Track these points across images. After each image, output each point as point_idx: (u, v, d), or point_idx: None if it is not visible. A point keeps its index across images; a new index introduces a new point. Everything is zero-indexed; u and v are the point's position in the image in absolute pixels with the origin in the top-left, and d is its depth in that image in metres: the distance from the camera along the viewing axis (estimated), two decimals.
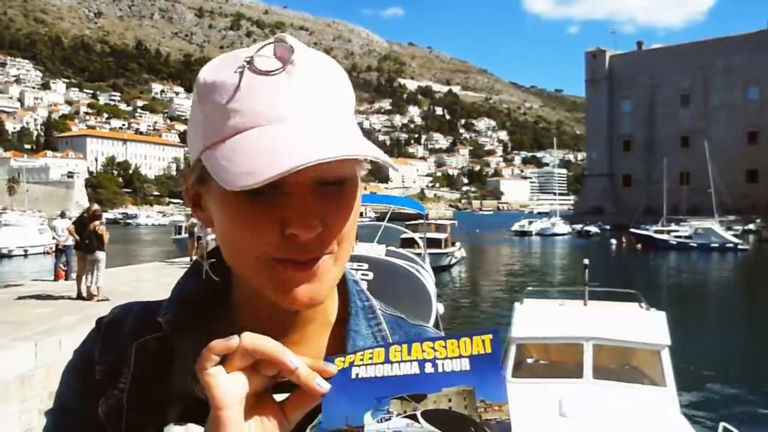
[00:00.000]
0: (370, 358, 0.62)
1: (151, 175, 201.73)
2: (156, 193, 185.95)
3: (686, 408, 8.55)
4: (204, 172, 0.72)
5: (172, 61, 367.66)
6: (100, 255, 13.22)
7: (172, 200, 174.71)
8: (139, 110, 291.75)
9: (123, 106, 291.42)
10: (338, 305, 0.84)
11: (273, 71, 0.68)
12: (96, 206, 15.25)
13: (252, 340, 0.60)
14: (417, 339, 0.63)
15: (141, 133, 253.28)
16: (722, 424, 6.70)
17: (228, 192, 0.67)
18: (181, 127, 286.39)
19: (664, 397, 6.61)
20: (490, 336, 0.61)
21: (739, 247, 50.78)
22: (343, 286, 0.85)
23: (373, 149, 0.66)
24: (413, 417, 0.59)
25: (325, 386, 0.60)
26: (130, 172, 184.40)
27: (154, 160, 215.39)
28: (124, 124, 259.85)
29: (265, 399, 0.63)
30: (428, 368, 0.61)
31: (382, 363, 0.62)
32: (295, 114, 0.68)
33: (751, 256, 48.41)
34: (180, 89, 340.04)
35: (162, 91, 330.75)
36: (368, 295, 0.86)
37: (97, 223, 13.61)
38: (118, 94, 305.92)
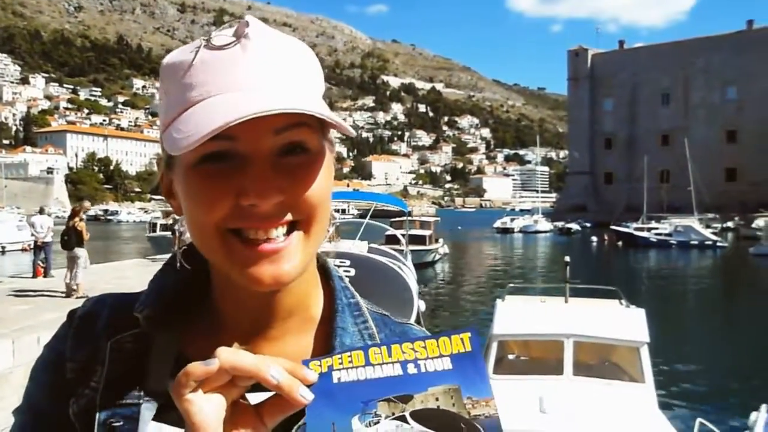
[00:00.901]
0: (350, 362, 0.61)
1: (132, 172, 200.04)
2: (137, 189, 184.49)
3: (664, 404, 8.64)
4: (169, 157, 0.72)
5: (154, 57, 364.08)
6: (80, 252, 13.24)
7: (153, 197, 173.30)
8: (120, 106, 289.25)
9: (104, 102, 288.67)
10: (323, 302, 0.82)
11: (226, 45, 0.68)
12: (87, 203, 15.17)
13: (231, 359, 0.58)
14: (397, 340, 0.62)
15: (122, 129, 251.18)
16: (699, 419, 6.80)
17: (188, 168, 0.68)
18: None
19: (642, 393, 6.68)
20: (469, 334, 0.61)
21: (718, 244, 51.36)
22: (329, 282, 0.83)
23: (320, 108, 0.65)
24: (402, 418, 0.58)
25: (308, 397, 0.59)
26: (111, 168, 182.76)
27: (135, 156, 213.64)
28: (104, 120, 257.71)
29: (241, 407, 0.61)
30: (411, 369, 0.60)
31: (363, 366, 0.60)
32: (247, 83, 0.67)
33: (729, 254, 48.95)
34: None
35: (143, 87, 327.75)
36: (354, 292, 0.84)
37: (76, 219, 13.65)
38: (99, 89, 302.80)
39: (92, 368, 0.76)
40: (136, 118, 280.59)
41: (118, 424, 0.72)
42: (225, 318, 0.78)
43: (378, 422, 0.58)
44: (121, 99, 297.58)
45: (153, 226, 36.32)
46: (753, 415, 7.14)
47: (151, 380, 0.74)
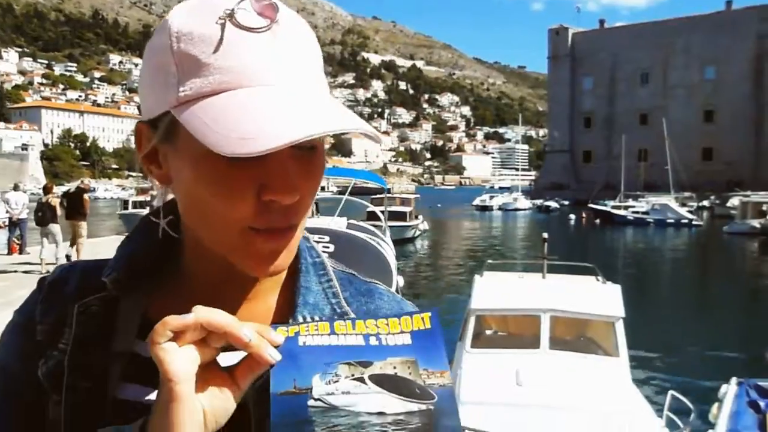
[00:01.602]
0: (316, 330, 0.63)
1: (109, 148, 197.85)
2: (115, 166, 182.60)
3: (638, 377, 8.80)
4: (171, 129, 0.69)
5: (131, 32, 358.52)
6: (54, 228, 13.45)
7: (131, 173, 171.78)
8: (96, 82, 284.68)
9: (79, 77, 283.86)
10: (290, 263, 0.81)
11: (258, 29, 0.66)
12: (87, 180, 15.37)
13: (206, 315, 0.60)
14: (362, 317, 0.65)
15: (99, 105, 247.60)
16: (671, 392, 6.93)
17: (204, 155, 0.65)
18: None
19: (617, 367, 6.80)
20: (429, 314, 0.65)
21: (694, 222, 51.97)
22: None
23: (363, 123, 0.66)
24: (361, 380, 0.61)
25: (276, 356, 0.61)
26: (88, 144, 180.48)
27: (112, 132, 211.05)
28: (80, 96, 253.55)
29: (214, 369, 0.63)
30: (372, 341, 0.63)
31: (328, 334, 0.63)
32: (281, 79, 0.66)
33: (704, 232, 49.62)
34: (139, 60, 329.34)
35: (120, 62, 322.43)
36: (319, 252, 0.84)
37: (50, 196, 13.86)
38: (74, 64, 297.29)
39: (60, 331, 0.76)
40: (113, 94, 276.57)
41: (86, 384, 0.73)
42: (193, 281, 0.79)
43: (338, 381, 0.60)
44: (97, 75, 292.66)
45: (125, 204, 34.85)
46: (723, 388, 7.29)
47: (118, 341, 0.75)
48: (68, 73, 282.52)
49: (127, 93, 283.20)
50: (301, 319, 0.76)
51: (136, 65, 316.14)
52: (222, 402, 0.62)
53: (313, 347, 0.62)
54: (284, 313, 0.79)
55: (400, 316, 0.65)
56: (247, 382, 0.63)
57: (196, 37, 0.66)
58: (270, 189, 0.66)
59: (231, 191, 0.66)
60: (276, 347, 0.61)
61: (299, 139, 0.59)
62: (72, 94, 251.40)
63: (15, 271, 12.98)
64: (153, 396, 0.67)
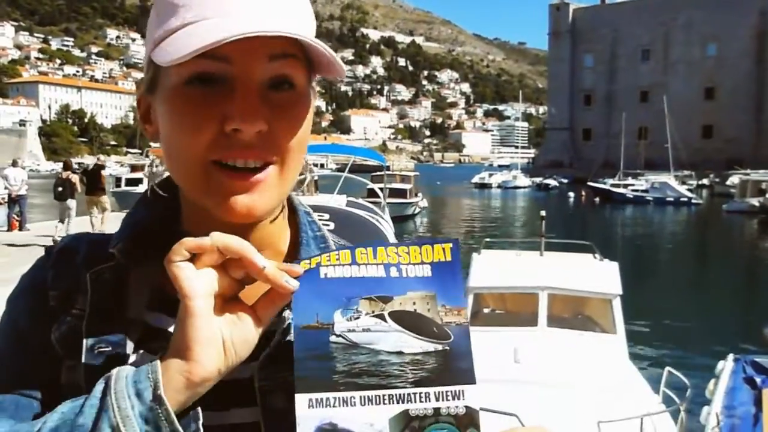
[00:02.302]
0: (337, 259, 0.64)
1: (107, 124, 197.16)
2: (113, 142, 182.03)
3: (635, 354, 8.87)
4: (153, 77, 0.73)
5: (128, 6, 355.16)
6: (71, 203, 14.33)
7: (129, 150, 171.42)
8: (93, 56, 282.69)
9: (77, 52, 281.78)
10: (291, 237, 0.85)
11: None
12: (103, 158, 16.06)
13: (222, 237, 0.62)
14: (382, 243, 0.66)
15: (96, 81, 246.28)
16: (667, 368, 6.98)
17: (174, 88, 0.69)
18: (139, 75, 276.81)
19: (614, 343, 6.85)
20: (450, 245, 0.65)
21: (693, 201, 51.99)
22: (294, 215, 0.85)
23: (312, 37, 0.67)
24: (381, 317, 0.62)
25: (293, 284, 0.62)
26: (86, 120, 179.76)
27: (110, 108, 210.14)
28: (78, 71, 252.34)
29: (236, 301, 0.65)
30: (393, 272, 0.64)
31: (349, 264, 0.64)
32: (246, 8, 0.68)
33: (703, 210, 49.68)
34: (137, 35, 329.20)
35: (117, 37, 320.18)
36: (320, 225, 0.86)
37: (69, 172, 14.82)
38: (71, 39, 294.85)
39: (73, 297, 0.77)
40: (111, 70, 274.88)
41: (106, 349, 0.74)
42: None
43: (359, 317, 0.62)
44: (94, 49, 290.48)
45: (117, 181, 33.76)
46: (720, 364, 7.34)
47: (131, 311, 0.76)
48: (65, 48, 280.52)
49: (124, 68, 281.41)
50: None
51: (134, 40, 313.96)
52: (242, 332, 0.63)
53: (335, 279, 0.63)
54: None
55: (421, 245, 0.65)
56: (268, 314, 0.64)
57: None
58: (231, 117, 0.67)
59: (195, 121, 0.68)
60: (296, 278, 0.63)
61: (221, 40, 0.62)
62: (69, 69, 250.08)
63: (14, 246, 13.00)
64: None
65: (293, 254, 0.83)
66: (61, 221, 14.07)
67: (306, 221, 0.85)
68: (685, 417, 6.24)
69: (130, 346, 0.74)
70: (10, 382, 0.74)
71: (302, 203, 0.87)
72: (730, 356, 7.41)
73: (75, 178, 14.39)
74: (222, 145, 0.69)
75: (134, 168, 36.36)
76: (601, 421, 4.92)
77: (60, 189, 14.09)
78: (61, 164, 15.98)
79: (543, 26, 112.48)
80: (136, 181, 31.29)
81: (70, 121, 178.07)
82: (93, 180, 15.03)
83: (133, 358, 0.74)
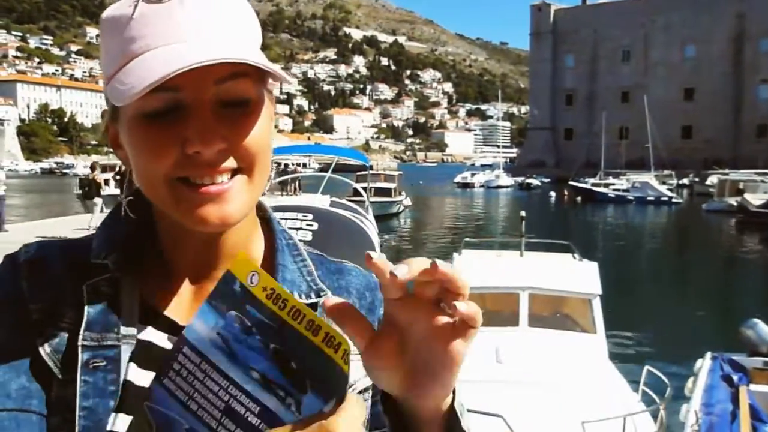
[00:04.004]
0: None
1: (87, 124, 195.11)
2: (93, 142, 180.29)
3: (615, 353, 8.95)
4: (114, 109, 0.76)
5: (108, 3, 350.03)
6: (97, 200, 15.68)
7: (110, 150, 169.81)
8: (73, 55, 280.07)
9: (56, 51, 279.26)
10: (264, 244, 0.86)
11: (164, 0, 0.70)
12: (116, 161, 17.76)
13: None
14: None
15: (76, 80, 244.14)
16: (646, 367, 7.05)
17: (133, 119, 0.71)
18: None
19: (594, 343, 6.91)
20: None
21: (673, 200, 52.47)
22: (268, 225, 0.87)
23: (258, 57, 0.69)
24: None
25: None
26: (65, 120, 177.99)
27: (90, 107, 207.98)
28: (57, 70, 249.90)
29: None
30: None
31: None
32: (186, 35, 0.70)
33: (683, 210, 50.15)
34: None
35: (98, 36, 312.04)
36: (291, 234, 0.88)
37: (95, 173, 16.27)
38: (50, 37, 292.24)
39: (60, 310, 0.76)
40: (91, 68, 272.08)
41: (101, 364, 0.73)
42: (173, 262, 0.81)
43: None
44: (74, 48, 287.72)
45: (82, 183, 33.25)
46: (698, 362, 7.45)
47: (124, 323, 0.76)
48: (44, 47, 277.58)
49: None
50: None
51: None
52: None
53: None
54: None
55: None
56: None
57: (115, 20, 0.73)
58: (189, 141, 0.69)
59: (155, 148, 0.70)
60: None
61: (169, 73, 0.64)
62: (48, 68, 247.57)
63: None
64: (149, 381, 0.70)
65: (269, 260, 0.84)
66: (90, 212, 15.89)
67: (279, 229, 0.87)
68: (665, 415, 6.32)
69: (124, 360, 0.74)
70: (11, 398, 0.73)
71: (271, 211, 0.88)
72: (708, 354, 7.52)
73: (99, 179, 16.17)
74: (186, 165, 0.71)
75: (104, 169, 35.58)
76: (586, 421, 4.97)
77: (86, 188, 16.02)
78: (37, 164, 17.49)
79: (525, 27, 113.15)
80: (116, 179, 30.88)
81: (50, 120, 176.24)
82: (123, 180, 16.66)
83: (129, 373, 0.74)
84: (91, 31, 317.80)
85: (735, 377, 6.97)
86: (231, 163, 0.72)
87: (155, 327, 0.78)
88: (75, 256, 0.80)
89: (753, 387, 6.91)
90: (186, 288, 0.82)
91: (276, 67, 0.70)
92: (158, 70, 0.65)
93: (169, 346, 0.76)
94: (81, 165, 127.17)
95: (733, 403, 6.45)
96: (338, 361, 0.55)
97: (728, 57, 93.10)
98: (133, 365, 0.74)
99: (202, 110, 0.70)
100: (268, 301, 0.59)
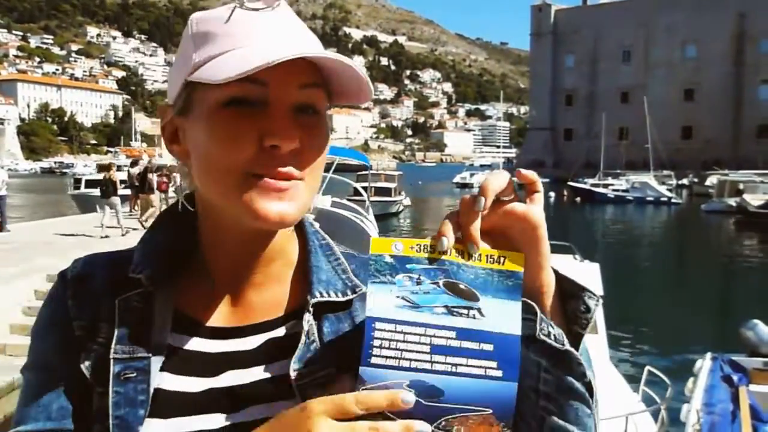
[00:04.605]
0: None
1: (87, 123, 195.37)
2: (93, 141, 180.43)
3: (616, 354, 8.99)
4: (188, 101, 0.79)
5: (109, 4, 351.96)
6: (115, 200, 15.95)
7: (110, 149, 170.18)
8: (73, 55, 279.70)
9: (56, 50, 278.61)
10: (299, 247, 0.90)
11: (260, 9, 0.77)
12: (152, 160, 18.69)
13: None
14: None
15: (76, 79, 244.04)
16: (647, 367, 7.10)
17: (214, 108, 0.75)
18: (119, 74, 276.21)
19: (595, 344, 6.95)
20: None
21: (673, 201, 52.56)
22: (301, 228, 0.90)
23: (348, 59, 0.74)
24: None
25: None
26: (66, 119, 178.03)
27: (90, 107, 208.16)
28: (57, 69, 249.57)
29: None
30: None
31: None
32: (279, 38, 0.76)
33: (683, 210, 50.23)
34: (117, 33, 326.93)
35: (98, 35, 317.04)
36: (324, 235, 0.91)
37: (111, 172, 16.49)
38: (51, 37, 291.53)
39: (97, 326, 0.80)
40: (91, 68, 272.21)
41: (132, 375, 0.77)
42: (212, 269, 0.85)
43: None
44: (74, 47, 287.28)
45: (77, 182, 30.36)
46: (698, 363, 7.49)
47: (155, 335, 0.79)
48: (44, 46, 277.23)
49: (105, 67, 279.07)
50: (318, 296, 0.83)
51: (114, 38, 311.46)
52: None
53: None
54: (301, 293, 0.85)
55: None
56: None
57: (210, 18, 0.79)
58: (270, 134, 0.73)
59: (236, 137, 0.74)
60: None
61: (279, 59, 0.68)
62: (48, 68, 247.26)
63: None
64: (191, 386, 0.78)
65: (303, 263, 0.87)
66: (110, 208, 15.91)
67: (311, 231, 0.90)
68: (666, 415, 6.35)
69: (155, 370, 0.78)
70: (51, 419, 0.78)
71: (306, 216, 0.90)
72: (708, 355, 7.55)
73: (116, 178, 16.31)
74: (260, 160, 0.74)
75: (102, 168, 32.57)
76: None
77: (104, 188, 16.02)
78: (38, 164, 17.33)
79: (525, 27, 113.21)
80: (97, 183, 28.50)
81: (50, 119, 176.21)
82: (143, 180, 17.68)
83: (157, 381, 0.78)
84: (92, 31, 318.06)
85: (735, 377, 7.01)
86: (296, 167, 0.75)
87: (192, 334, 0.82)
88: (118, 272, 0.83)
89: (753, 387, 6.96)
90: (224, 293, 0.84)
91: (367, 79, 0.76)
92: (261, 57, 0.69)
93: (207, 349, 0.81)
94: (81, 165, 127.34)
95: (733, 403, 6.49)
96: (485, 264, 0.70)
97: (729, 57, 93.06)
98: (165, 374, 0.78)
99: (284, 109, 0.74)
100: (419, 253, 0.69)
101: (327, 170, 15.01)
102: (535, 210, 0.72)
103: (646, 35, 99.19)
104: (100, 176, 29.04)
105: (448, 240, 0.69)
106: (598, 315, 7.17)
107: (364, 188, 16.95)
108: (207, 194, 0.80)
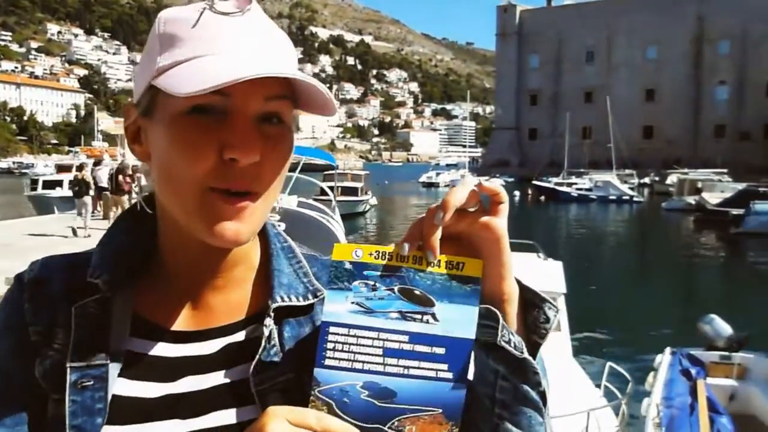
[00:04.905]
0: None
1: (48, 122, 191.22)
2: (54, 141, 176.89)
3: (578, 350, 9.13)
4: (151, 103, 0.76)
5: (70, 1, 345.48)
6: (87, 199, 16.10)
7: (71, 149, 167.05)
8: (33, 52, 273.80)
9: (15, 47, 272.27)
10: (260, 250, 0.88)
11: (231, 13, 0.74)
12: (127, 161, 18.20)
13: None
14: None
15: (36, 77, 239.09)
16: (608, 363, 7.24)
17: (175, 116, 0.72)
18: (81, 72, 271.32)
19: (559, 341, 7.07)
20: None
21: (635, 199, 53.39)
22: (263, 230, 0.88)
23: (315, 80, 0.72)
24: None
25: None
26: (25, 118, 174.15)
27: (51, 106, 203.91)
28: (16, 67, 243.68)
29: None
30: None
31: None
32: (248, 47, 0.73)
33: (644, 208, 51.05)
34: (79, 31, 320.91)
35: (59, 33, 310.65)
36: (286, 237, 0.90)
37: (83, 172, 16.74)
38: (9, 33, 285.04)
39: (54, 331, 0.78)
40: (52, 66, 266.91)
41: (89, 383, 0.75)
42: (173, 273, 0.83)
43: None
44: (34, 45, 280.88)
45: (34, 183, 29.07)
46: (658, 358, 7.66)
47: (113, 341, 0.77)
48: (2, 43, 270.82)
49: (66, 65, 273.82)
50: (279, 300, 0.82)
51: (76, 36, 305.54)
52: None
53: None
54: (262, 296, 0.84)
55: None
56: None
57: (179, 19, 0.75)
58: (230, 146, 0.71)
59: (195, 149, 0.71)
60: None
61: (245, 77, 0.66)
62: (7, 65, 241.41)
63: None
64: (148, 392, 0.76)
65: (265, 266, 0.86)
66: (79, 214, 16.03)
67: (273, 233, 0.89)
68: (626, 409, 6.49)
69: (113, 376, 0.76)
70: (5, 426, 0.75)
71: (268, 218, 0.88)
72: (668, 350, 7.74)
73: (89, 178, 16.56)
74: (218, 172, 0.72)
75: (61, 169, 32.47)
76: (552, 417, 5.09)
77: (77, 188, 16.22)
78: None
79: (491, 27, 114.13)
80: (54, 184, 27.33)
81: (8, 119, 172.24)
82: (115, 181, 17.62)
83: (115, 387, 0.76)
84: (52, 28, 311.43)
85: (693, 371, 7.19)
86: (256, 180, 0.74)
87: (151, 338, 0.80)
88: (76, 275, 0.81)
89: (710, 380, 7.14)
90: (184, 296, 0.83)
91: (330, 96, 0.74)
92: (229, 72, 0.67)
93: (166, 354, 0.80)
94: (41, 165, 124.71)
95: (691, 396, 6.66)
96: (444, 270, 0.70)
97: (689, 58, 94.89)
98: (123, 380, 0.77)
99: (246, 120, 0.72)
100: (378, 260, 0.70)
101: (293, 170, 14.96)
102: (497, 222, 0.71)
103: (608, 37, 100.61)
104: (59, 177, 28.97)
105: (409, 246, 0.70)
106: (562, 312, 7.29)
107: (331, 188, 16.90)
108: (165, 203, 0.79)
